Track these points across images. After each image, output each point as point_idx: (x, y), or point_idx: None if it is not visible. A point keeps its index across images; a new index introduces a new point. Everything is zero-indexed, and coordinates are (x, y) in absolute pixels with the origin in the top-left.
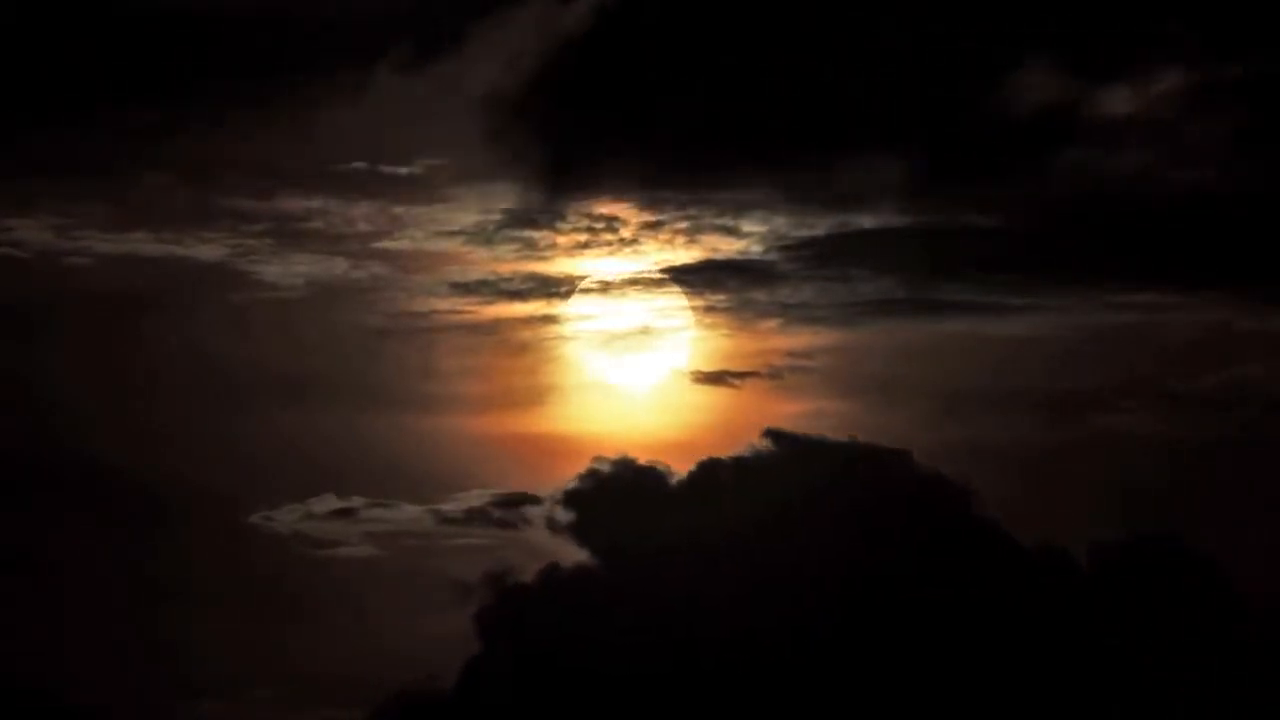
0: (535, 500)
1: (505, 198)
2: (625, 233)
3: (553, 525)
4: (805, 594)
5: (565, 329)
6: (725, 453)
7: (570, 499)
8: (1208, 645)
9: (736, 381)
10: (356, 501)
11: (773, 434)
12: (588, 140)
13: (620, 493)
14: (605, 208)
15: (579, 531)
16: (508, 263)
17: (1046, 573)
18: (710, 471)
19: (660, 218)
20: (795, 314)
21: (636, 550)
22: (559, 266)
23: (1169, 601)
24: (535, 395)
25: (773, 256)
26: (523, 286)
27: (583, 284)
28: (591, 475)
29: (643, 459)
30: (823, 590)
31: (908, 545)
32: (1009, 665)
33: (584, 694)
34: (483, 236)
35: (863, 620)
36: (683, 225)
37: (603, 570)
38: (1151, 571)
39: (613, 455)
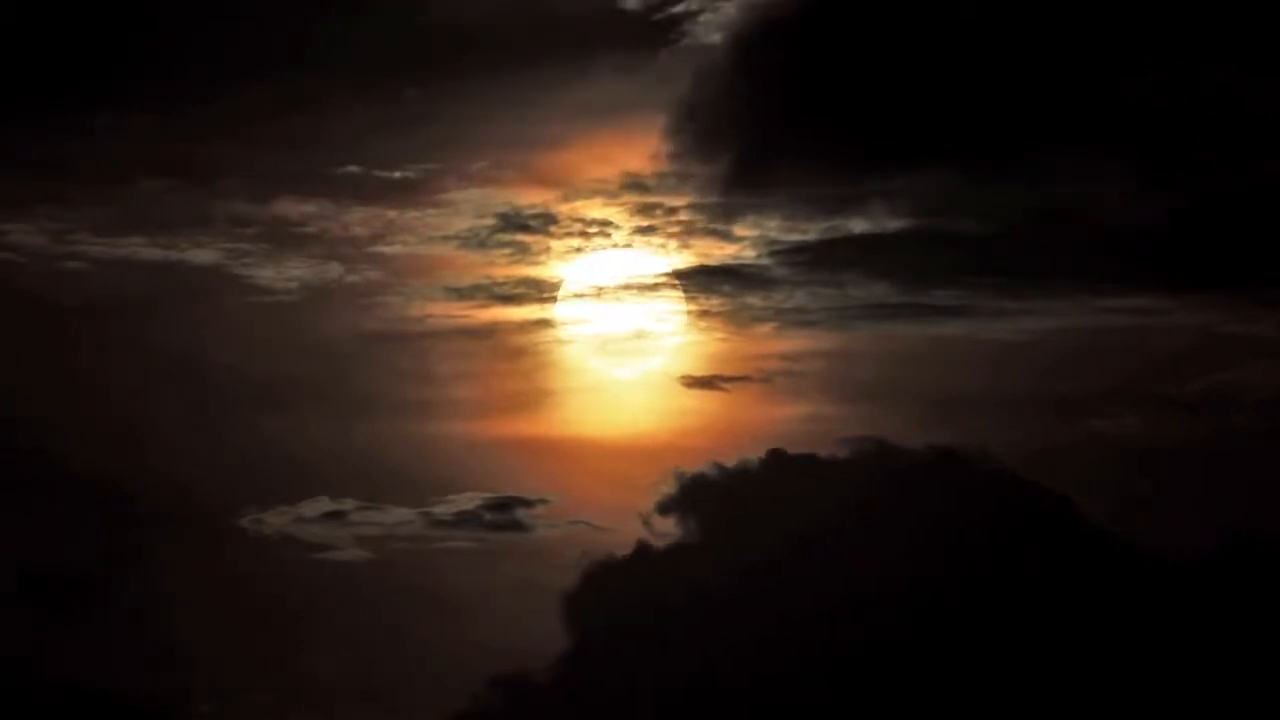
0: (527, 503)
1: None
2: (618, 237)
3: (651, 531)
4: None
5: (559, 333)
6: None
7: (664, 506)
8: None
9: (728, 385)
10: (348, 504)
11: (842, 441)
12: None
13: (710, 497)
14: (598, 211)
15: (683, 535)
16: (502, 267)
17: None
18: (785, 474)
19: (653, 222)
20: (789, 318)
21: (730, 554)
22: (553, 271)
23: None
24: (529, 398)
25: (766, 261)
26: (517, 291)
27: (577, 288)
28: (678, 479)
29: (639, 460)
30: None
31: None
32: (1106, 666)
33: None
34: (477, 241)
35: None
36: (675, 229)
37: (694, 571)
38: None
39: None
